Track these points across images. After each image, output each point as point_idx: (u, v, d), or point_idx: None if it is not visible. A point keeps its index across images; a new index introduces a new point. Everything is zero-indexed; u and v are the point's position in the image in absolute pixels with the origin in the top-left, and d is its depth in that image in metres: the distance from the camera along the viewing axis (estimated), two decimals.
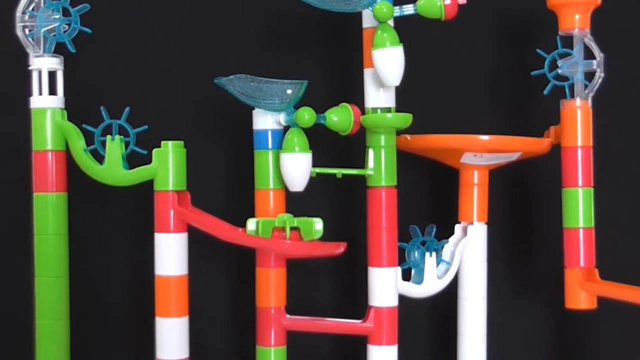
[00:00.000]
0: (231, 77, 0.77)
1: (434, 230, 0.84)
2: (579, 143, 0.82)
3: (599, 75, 0.82)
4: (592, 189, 0.82)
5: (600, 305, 0.81)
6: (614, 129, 0.91)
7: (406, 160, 0.83)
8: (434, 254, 0.83)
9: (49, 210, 0.80)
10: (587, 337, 0.95)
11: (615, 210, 0.92)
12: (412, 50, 0.77)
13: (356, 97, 0.80)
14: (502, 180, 0.90)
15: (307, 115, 0.76)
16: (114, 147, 0.79)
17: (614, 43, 0.85)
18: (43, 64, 0.80)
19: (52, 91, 0.80)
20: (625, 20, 0.93)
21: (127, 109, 0.79)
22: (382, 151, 0.79)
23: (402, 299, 0.81)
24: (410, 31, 0.78)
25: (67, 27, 0.80)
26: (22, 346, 0.85)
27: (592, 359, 0.95)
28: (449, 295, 0.85)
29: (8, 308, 0.93)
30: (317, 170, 0.78)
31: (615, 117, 0.92)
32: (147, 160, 0.79)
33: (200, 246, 0.82)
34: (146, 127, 0.79)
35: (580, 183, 0.82)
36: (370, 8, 0.76)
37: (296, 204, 0.80)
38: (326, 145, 0.82)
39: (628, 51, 0.93)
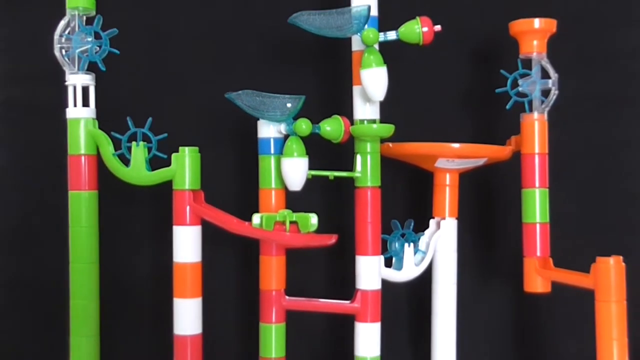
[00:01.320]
0: (239, 92, 0.77)
1: (412, 224, 0.85)
2: (536, 150, 0.82)
3: (554, 92, 0.82)
4: (547, 190, 0.83)
5: (553, 289, 0.82)
6: (566, 138, 0.91)
7: (389, 165, 0.83)
8: (411, 244, 0.83)
9: (82, 206, 0.80)
10: (542, 317, 0.95)
11: (567, 208, 0.92)
12: (394, 70, 0.77)
13: (346, 110, 0.81)
14: (470, 181, 0.91)
15: (304, 126, 0.77)
16: (139, 152, 0.79)
17: (566, 64, 0.85)
18: (77, 80, 0.80)
19: (85, 103, 0.80)
20: (576, 45, 0.93)
21: (149, 119, 0.80)
22: (368, 156, 0.79)
23: (385, 283, 0.81)
24: (393, 54, 0.79)
25: (98, 48, 0.79)
26: (59, 323, 0.84)
27: (546, 334, 0.95)
28: (425, 280, 0.85)
29: (47, 290, 0.93)
30: (313, 172, 0.78)
31: (568, 128, 0.92)
32: (167, 163, 0.79)
33: (212, 237, 0.82)
34: (166, 135, 0.80)
35: (537, 184, 0.82)
36: (358, 34, 0.77)
37: (295, 201, 0.80)
38: (320, 152, 0.81)
39: (578, 72, 0.93)
